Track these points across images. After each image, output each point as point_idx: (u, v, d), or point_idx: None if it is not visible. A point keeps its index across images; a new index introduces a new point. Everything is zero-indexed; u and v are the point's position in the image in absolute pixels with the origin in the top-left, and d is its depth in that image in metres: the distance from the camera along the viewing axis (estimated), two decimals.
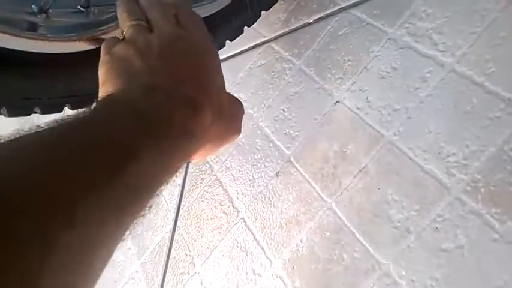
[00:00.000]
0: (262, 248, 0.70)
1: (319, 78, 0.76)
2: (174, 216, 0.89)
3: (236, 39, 0.86)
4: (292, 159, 0.73)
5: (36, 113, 0.57)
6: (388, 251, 0.56)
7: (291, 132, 0.76)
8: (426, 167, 0.57)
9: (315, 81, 0.76)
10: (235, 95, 0.92)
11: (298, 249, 0.65)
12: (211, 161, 0.88)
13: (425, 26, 0.66)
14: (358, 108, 0.67)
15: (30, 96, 0.54)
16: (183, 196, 0.90)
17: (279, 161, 0.75)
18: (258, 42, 0.92)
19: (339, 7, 0.80)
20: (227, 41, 0.84)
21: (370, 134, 0.64)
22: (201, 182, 0.88)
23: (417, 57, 0.65)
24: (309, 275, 0.63)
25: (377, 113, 0.65)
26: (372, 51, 0.71)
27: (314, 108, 0.74)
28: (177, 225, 0.87)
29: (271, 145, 0.78)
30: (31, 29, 0.52)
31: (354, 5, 0.78)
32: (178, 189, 0.91)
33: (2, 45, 0.49)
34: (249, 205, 0.76)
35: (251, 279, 0.70)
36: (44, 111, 0.57)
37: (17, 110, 0.54)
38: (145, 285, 0.87)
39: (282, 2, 0.90)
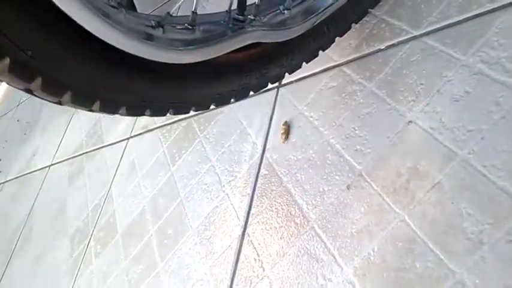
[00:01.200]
0: (333, 256, 0.75)
1: (391, 100, 0.81)
2: (243, 223, 0.94)
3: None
4: (363, 174, 0.78)
5: (145, 115, 0.65)
6: (461, 260, 0.60)
7: (363, 149, 0.81)
8: (500, 184, 0.60)
9: (386, 103, 0.81)
10: (305, 114, 0.98)
11: (370, 258, 0.69)
12: (281, 173, 0.93)
13: (498, 55, 0.71)
14: (432, 129, 0.72)
15: (146, 99, 0.62)
16: (252, 206, 0.96)
17: (350, 175, 0.80)
18: (329, 65, 0.98)
19: (411, 35, 0.85)
20: (303, 63, 0.90)
21: (444, 152, 0.68)
22: (270, 193, 0.93)
23: (490, 82, 0.69)
24: (381, 282, 0.67)
25: (451, 133, 0.69)
26: (444, 76, 0.75)
27: (386, 127, 0.79)
28: (246, 232, 0.93)
29: (341, 160, 0.83)
30: (149, 39, 0.60)
31: (426, 34, 0.83)
32: (247, 199, 0.97)
33: (129, 51, 0.56)
34: (319, 215, 0.81)
35: (321, 284, 0.74)
36: (152, 114, 0.65)
37: (134, 110, 0.62)
38: (213, 287, 0.93)
39: (354, 30, 0.97)
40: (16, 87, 0.49)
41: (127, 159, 1.54)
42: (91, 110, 0.57)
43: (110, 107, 0.58)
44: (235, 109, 1.19)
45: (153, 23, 0.61)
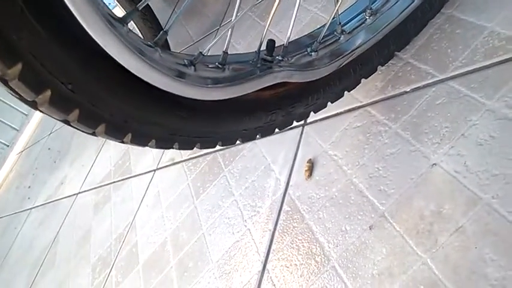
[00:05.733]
0: None
1: (416, 141, 0.81)
2: (263, 259, 0.95)
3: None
4: (386, 215, 0.77)
5: (173, 148, 0.67)
6: None
7: (386, 189, 0.81)
8: None
9: (411, 144, 0.82)
10: (329, 153, 0.99)
11: None
12: (303, 210, 0.94)
13: None
14: (456, 172, 0.72)
15: (175, 133, 0.64)
16: (273, 242, 0.96)
17: (372, 216, 0.80)
18: (354, 106, 1.00)
19: (437, 79, 0.86)
20: (329, 103, 0.92)
21: (468, 196, 0.68)
22: (292, 230, 0.93)
23: None
24: None
25: (475, 177, 0.69)
26: (469, 120, 0.76)
27: (410, 168, 0.79)
28: (266, 268, 0.93)
29: (365, 200, 0.83)
30: (180, 77, 0.63)
31: (452, 78, 0.84)
32: (268, 234, 0.98)
33: (162, 88, 0.59)
34: (340, 254, 0.80)
35: None
36: (180, 147, 0.67)
37: (163, 143, 0.64)
38: None
39: (380, 72, 0.98)
40: (54, 118, 0.52)
41: (152, 191, 1.56)
42: (122, 142, 0.60)
43: (141, 140, 0.61)
44: (259, 145, 1.21)
45: (185, 61, 0.64)
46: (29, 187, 3.23)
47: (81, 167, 2.46)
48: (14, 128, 4.75)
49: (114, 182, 1.92)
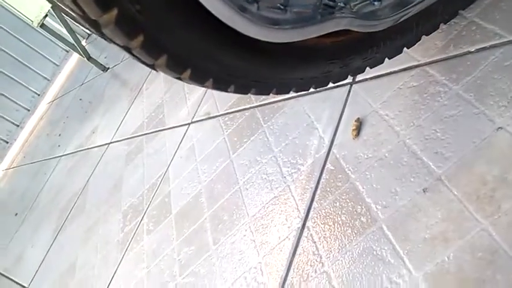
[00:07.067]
0: (402, 259, 0.71)
1: (480, 103, 0.76)
2: (303, 216, 0.92)
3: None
4: (443, 178, 0.74)
5: (228, 91, 0.64)
6: None
7: (444, 152, 0.76)
8: None
9: (474, 106, 0.77)
10: (380, 112, 0.94)
11: (444, 265, 0.65)
12: (349, 170, 0.91)
13: None
14: None
15: (233, 74, 0.61)
16: (314, 200, 0.93)
17: (427, 178, 0.76)
18: (411, 65, 0.94)
19: (505, 39, 0.80)
20: (386, 59, 0.87)
21: None
22: (335, 189, 0.91)
23: None
24: None
25: None
26: None
27: (472, 132, 0.74)
28: (306, 225, 0.91)
29: (419, 162, 0.79)
30: (243, 11, 0.59)
31: None
32: (309, 192, 0.95)
33: (224, 20, 0.55)
34: (389, 216, 0.77)
35: (386, 287, 0.71)
36: (236, 90, 0.64)
37: (219, 84, 0.61)
38: (266, 277, 0.91)
39: (441, 31, 0.92)
40: (116, 44, 0.49)
41: (186, 144, 1.55)
42: (179, 78, 0.57)
43: (199, 77, 0.58)
44: (302, 102, 1.17)
45: None
46: (60, 135, 3.27)
47: (113, 118, 2.47)
48: (46, 78, 4.80)
49: (146, 133, 1.91)
